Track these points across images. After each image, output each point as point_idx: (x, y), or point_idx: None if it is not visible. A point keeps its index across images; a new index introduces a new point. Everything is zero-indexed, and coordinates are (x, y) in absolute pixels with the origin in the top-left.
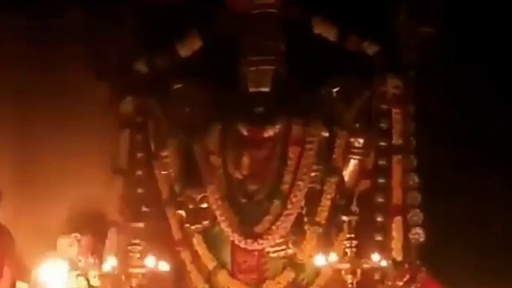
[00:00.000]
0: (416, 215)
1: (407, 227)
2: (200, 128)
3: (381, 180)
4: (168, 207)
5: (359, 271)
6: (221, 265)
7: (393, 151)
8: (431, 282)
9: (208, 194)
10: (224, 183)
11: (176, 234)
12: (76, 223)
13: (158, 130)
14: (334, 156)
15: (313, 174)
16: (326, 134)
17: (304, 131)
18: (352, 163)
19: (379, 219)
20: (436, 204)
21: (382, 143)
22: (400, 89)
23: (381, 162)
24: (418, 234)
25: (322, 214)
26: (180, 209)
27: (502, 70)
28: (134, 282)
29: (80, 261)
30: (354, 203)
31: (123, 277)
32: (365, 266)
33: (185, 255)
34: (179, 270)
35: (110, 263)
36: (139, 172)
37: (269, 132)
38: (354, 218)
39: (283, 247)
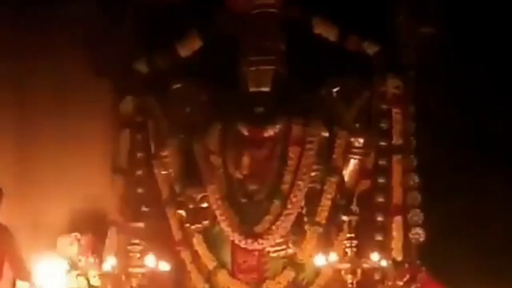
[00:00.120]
0: (416, 215)
1: (407, 227)
2: (200, 128)
3: (381, 180)
4: (168, 207)
5: (359, 271)
6: (221, 265)
7: (393, 151)
8: (431, 282)
9: (208, 194)
10: (224, 183)
11: (176, 234)
12: (76, 223)
13: (158, 130)
14: (334, 156)
15: (313, 174)
16: (326, 134)
17: (304, 131)
18: (352, 163)
19: (379, 219)
20: (436, 204)
21: (382, 143)
22: (400, 89)
23: (381, 162)
24: (418, 234)
25: (322, 214)
26: (180, 209)
27: (502, 70)
28: (134, 282)
29: (80, 260)
30: (354, 203)
31: (123, 277)
32: (365, 266)
33: (185, 255)
34: (179, 270)
35: (110, 262)
36: (139, 172)
37: (269, 132)
38: (354, 218)
39: (283, 247)
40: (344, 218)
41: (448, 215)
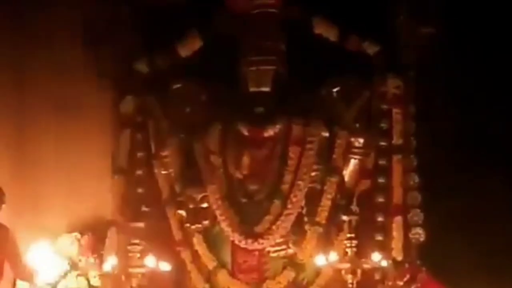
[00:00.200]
0: (417, 215)
1: (407, 227)
2: (200, 128)
3: (381, 180)
4: (168, 207)
5: (359, 271)
6: (221, 265)
7: (393, 151)
8: (431, 282)
9: (209, 193)
10: (225, 183)
11: (177, 234)
12: (76, 223)
13: (158, 130)
14: (334, 156)
15: (313, 174)
16: (327, 134)
17: (305, 131)
18: (353, 163)
19: (380, 219)
20: (436, 204)
21: (382, 143)
22: (400, 89)
23: (381, 162)
24: (419, 234)
25: (322, 214)
26: (181, 208)
27: (502, 70)
28: (134, 282)
29: (80, 260)
30: (354, 203)
31: (123, 277)
32: (366, 266)
33: (185, 255)
34: (179, 270)
35: (110, 262)
36: (139, 172)
37: (270, 132)
38: (354, 218)
39: (284, 246)
40: (344, 218)
41: (448, 215)
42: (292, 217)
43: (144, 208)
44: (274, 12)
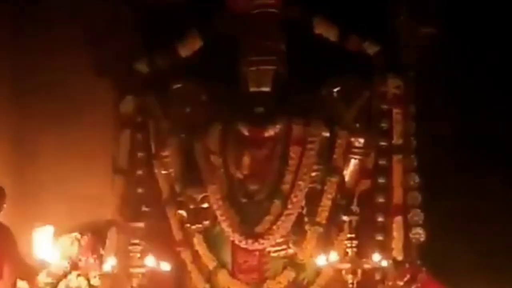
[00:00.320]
0: (417, 215)
1: (407, 227)
2: (200, 128)
3: (381, 180)
4: (168, 207)
5: (359, 271)
6: (222, 265)
7: (394, 151)
8: (431, 282)
9: (209, 194)
10: (225, 183)
11: (177, 234)
12: (76, 223)
13: (158, 130)
14: (334, 156)
15: (313, 174)
16: (327, 134)
17: (305, 131)
18: (353, 163)
19: (380, 219)
20: (436, 204)
21: (383, 143)
22: (400, 89)
23: (382, 162)
24: (419, 234)
25: (323, 214)
26: (181, 209)
27: (502, 70)
28: (134, 282)
29: (80, 260)
30: (355, 203)
31: (123, 277)
32: (366, 266)
33: (186, 255)
34: (179, 270)
35: (110, 263)
36: (139, 172)
37: (270, 132)
38: (354, 218)
39: (284, 247)
40: (345, 218)
41: (448, 215)
42: (293, 217)
43: (144, 208)
44: (274, 12)
